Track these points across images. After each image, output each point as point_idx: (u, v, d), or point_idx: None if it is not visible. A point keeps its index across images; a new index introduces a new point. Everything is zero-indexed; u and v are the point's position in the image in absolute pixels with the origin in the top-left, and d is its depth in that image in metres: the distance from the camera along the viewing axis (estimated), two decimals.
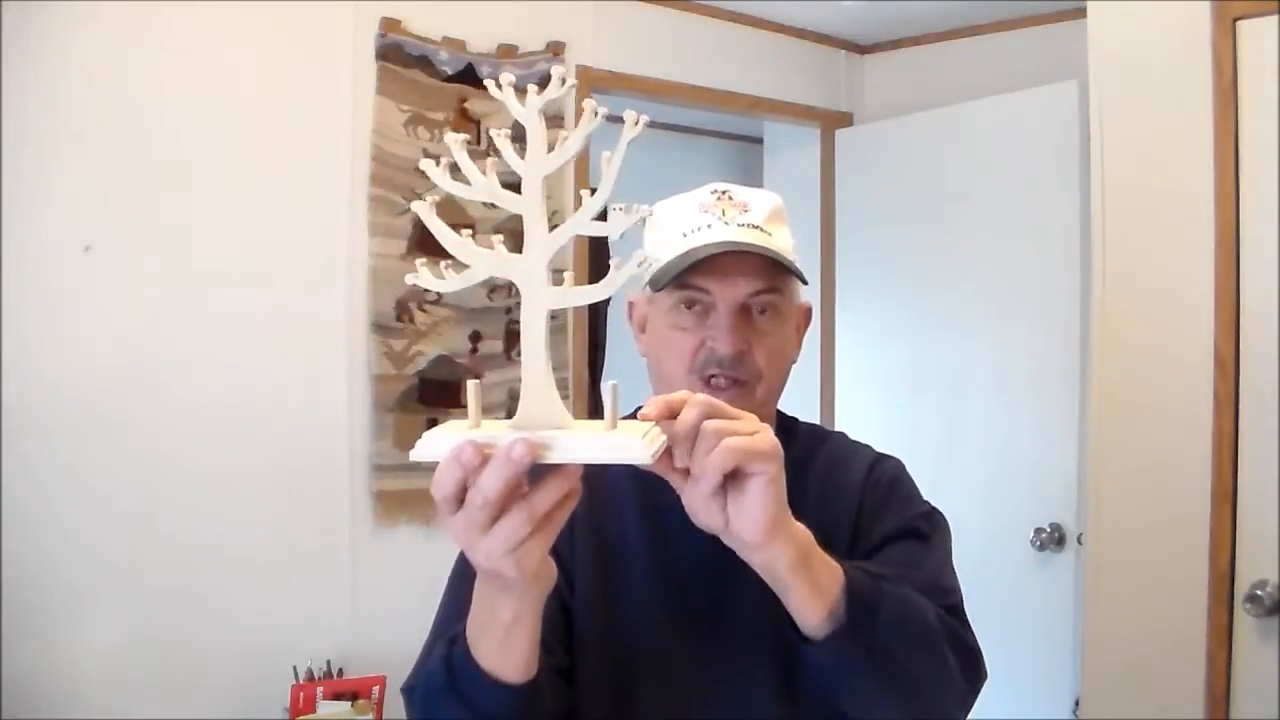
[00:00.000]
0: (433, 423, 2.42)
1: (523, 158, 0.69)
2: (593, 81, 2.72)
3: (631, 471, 0.73)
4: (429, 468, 0.69)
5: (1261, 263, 1.97)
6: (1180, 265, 2.07)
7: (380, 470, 2.34)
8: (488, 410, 0.71)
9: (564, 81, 0.68)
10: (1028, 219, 2.79)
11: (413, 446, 0.70)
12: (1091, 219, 2.23)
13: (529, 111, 0.69)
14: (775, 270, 1.02)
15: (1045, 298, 2.73)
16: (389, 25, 2.38)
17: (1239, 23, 1.98)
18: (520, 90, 0.69)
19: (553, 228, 0.70)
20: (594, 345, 2.94)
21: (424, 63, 2.42)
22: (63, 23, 2.01)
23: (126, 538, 2.07)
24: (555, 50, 2.62)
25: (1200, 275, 2.03)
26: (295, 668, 2.16)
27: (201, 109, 2.16)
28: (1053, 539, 2.69)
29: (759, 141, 3.72)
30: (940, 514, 1.11)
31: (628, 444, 0.68)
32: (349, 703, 2.12)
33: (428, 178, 0.71)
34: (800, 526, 0.83)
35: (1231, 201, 1.99)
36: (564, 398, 2.66)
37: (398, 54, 2.39)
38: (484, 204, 0.71)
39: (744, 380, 1.01)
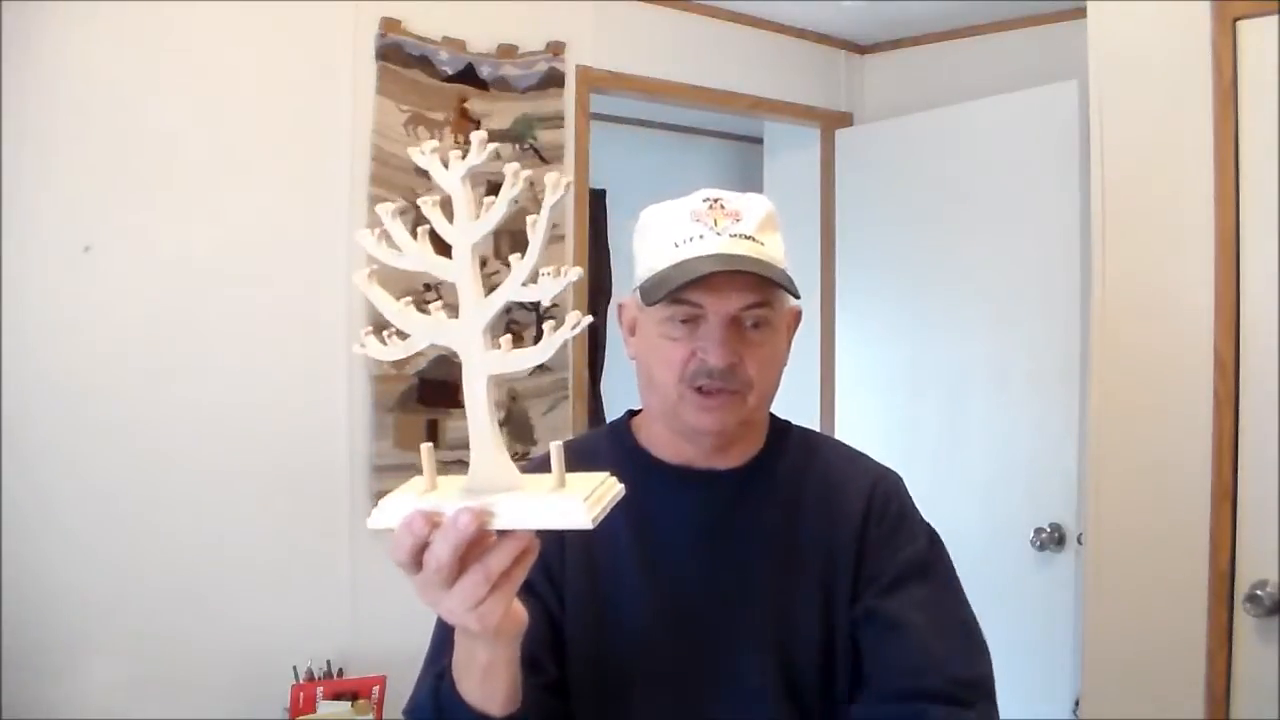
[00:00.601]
0: (433, 423, 2.45)
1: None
2: (593, 81, 2.72)
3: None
4: None
5: (1261, 263, 1.97)
6: (1180, 265, 2.07)
7: (380, 470, 2.33)
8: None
9: (485, 145, 0.69)
10: (1028, 219, 2.79)
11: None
12: (1091, 219, 2.23)
13: (453, 179, 0.70)
14: (767, 283, 1.02)
15: (1045, 298, 2.73)
16: (389, 25, 2.38)
17: (1239, 23, 1.98)
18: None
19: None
20: (594, 346, 2.94)
21: (424, 63, 2.42)
22: (62, 23, 2.01)
23: (126, 538, 2.07)
24: (555, 50, 2.62)
25: (1200, 275, 2.03)
26: (295, 668, 2.16)
27: (201, 109, 2.16)
28: (1053, 539, 2.69)
29: (759, 141, 3.72)
30: (937, 536, 1.12)
31: (570, 509, 0.69)
32: (349, 703, 2.12)
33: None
34: None
35: (1231, 201, 1.99)
36: (563, 398, 2.67)
37: (398, 54, 2.39)
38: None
39: (735, 390, 1.01)
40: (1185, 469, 2.04)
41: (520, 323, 2.36)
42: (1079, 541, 2.58)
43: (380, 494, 0.73)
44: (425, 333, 0.71)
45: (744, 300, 1.01)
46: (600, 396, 3.49)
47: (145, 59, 2.11)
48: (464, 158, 0.70)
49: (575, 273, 0.68)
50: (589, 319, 0.69)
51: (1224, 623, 1.98)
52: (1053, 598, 2.69)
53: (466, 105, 2.47)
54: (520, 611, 0.78)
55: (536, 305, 2.36)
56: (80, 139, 2.04)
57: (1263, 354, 1.96)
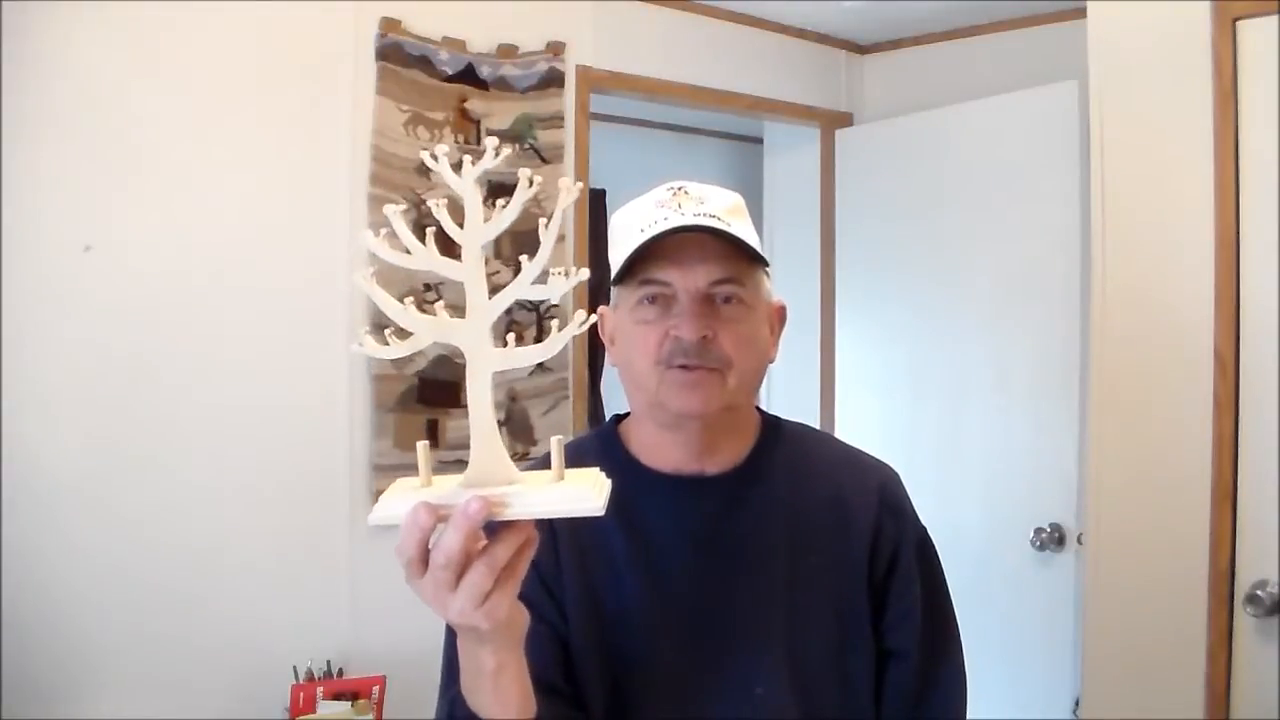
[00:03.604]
0: (433, 423, 2.44)
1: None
2: (593, 82, 2.72)
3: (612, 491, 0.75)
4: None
5: (1261, 263, 1.97)
6: (1180, 265, 2.07)
7: (380, 470, 2.33)
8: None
9: (498, 152, 0.71)
10: (1028, 219, 2.79)
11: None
12: (1091, 219, 2.23)
13: (465, 181, 0.71)
14: (736, 260, 1.02)
15: (1045, 297, 2.73)
16: (389, 25, 2.38)
17: (1239, 23, 1.98)
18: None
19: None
20: (594, 346, 2.94)
21: (424, 63, 2.42)
22: (62, 22, 2.01)
23: (126, 537, 2.07)
24: (555, 50, 2.62)
25: (1200, 275, 2.03)
26: (295, 668, 2.16)
27: (201, 109, 2.16)
28: (1053, 539, 2.69)
29: (759, 141, 3.72)
30: (928, 536, 1.15)
31: (580, 495, 0.71)
32: (349, 703, 2.12)
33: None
34: None
35: (1231, 201, 1.99)
36: (563, 398, 2.67)
37: (398, 54, 2.39)
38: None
39: (712, 368, 1.00)
40: (1185, 469, 2.04)
41: (521, 323, 2.36)
42: (1079, 541, 2.58)
43: (380, 493, 0.73)
44: (429, 331, 0.72)
45: (712, 275, 1.01)
46: (600, 396, 3.49)
47: (145, 59, 2.11)
48: (475, 162, 0.71)
49: (583, 273, 0.70)
50: (594, 318, 0.71)
51: (1224, 623, 1.98)
52: (1053, 598, 2.69)
53: (466, 105, 2.47)
54: (522, 610, 0.78)
55: (537, 305, 2.37)
56: (80, 138, 2.04)
57: (1263, 354, 1.96)
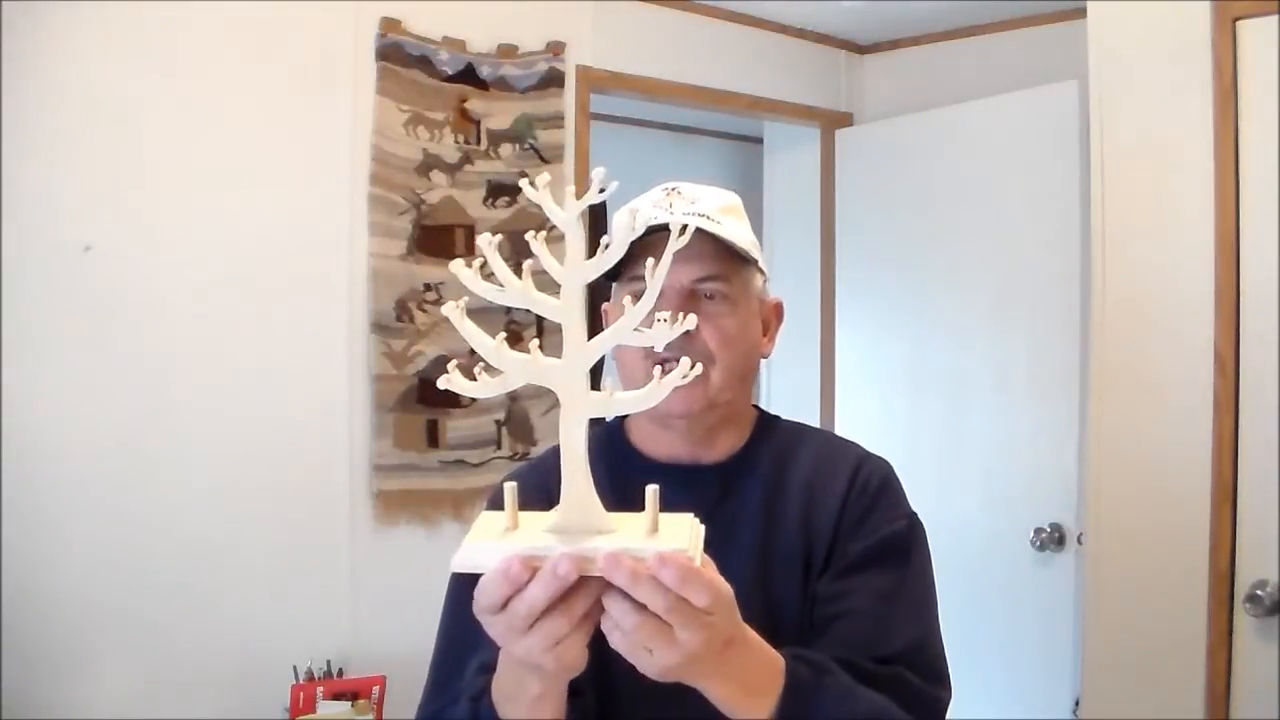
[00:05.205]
0: (433, 423, 2.44)
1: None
2: (593, 82, 2.72)
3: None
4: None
5: (1261, 263, 1.97)
6: (1180, 265, 2.07)
7: (380, 470, 2.33)
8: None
9: (604, 189, 0.68)
10: (1028, 219, 2.79)
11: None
12: (1091, 219, 2.23)
13: (569, 217, 0.67)
14: (722, 258, 1.04)
15: (1045, 297, 2.73)
16: (389, 25, 2.38)
17: (1239, 23, 1.98)
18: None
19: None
20: None
21: (424, 63, 2.42)
22: (63, 23, 2.02)
23: (127, 539, 2.07)
24: (555, 50, 2.62)
25: (1200, 275, 2.03)
26: (295, 668, 2.16)
27: (201, 109, 2.16)
28: (1053, 539, 2.69)
29: (759, 141, 3.72)
30: (919, 524, 1.09)
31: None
32: (349, 703, 2.12)
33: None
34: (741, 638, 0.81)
35: (1231, 201, 1.99)
36: None
37: (398, 54, 2.39)
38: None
39: (693, 363, 1.01)
40: (1185, 469, 2.04)
41: (520, 323, 2.36)
42: (1079, 541, 2.58)
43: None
44: (521, 372, 0.70)
45: (695, 272, 1.03)
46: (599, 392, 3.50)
47: (145, 58, 2.11)
48: (579, 196, 0.68)
49: (691, 320, 0.69)
50: (698, 368, 0.68)
51: (1224, 623, 1.98)
52: (1053, 598, 2.69)
53: (466, 105, 2.47)
54: (586, 650, 0.76)
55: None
56: (80, 139, 2.04)
57: (1263, 354, 1.96)
